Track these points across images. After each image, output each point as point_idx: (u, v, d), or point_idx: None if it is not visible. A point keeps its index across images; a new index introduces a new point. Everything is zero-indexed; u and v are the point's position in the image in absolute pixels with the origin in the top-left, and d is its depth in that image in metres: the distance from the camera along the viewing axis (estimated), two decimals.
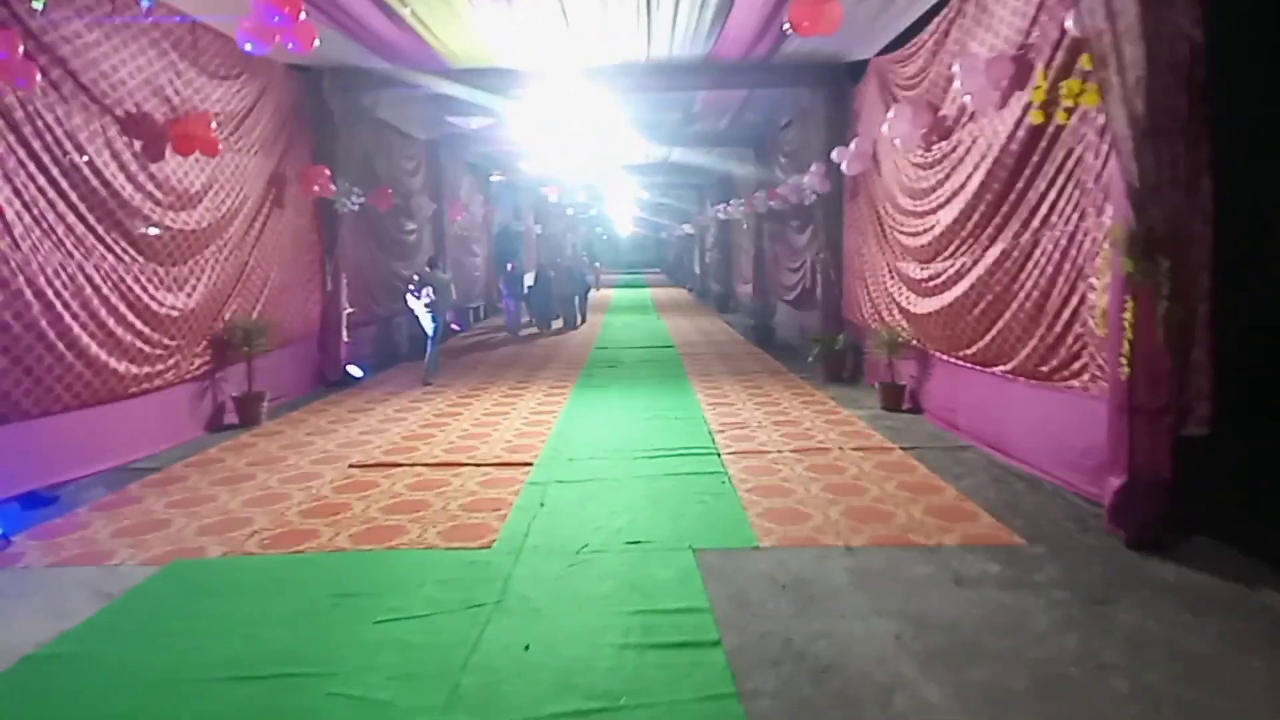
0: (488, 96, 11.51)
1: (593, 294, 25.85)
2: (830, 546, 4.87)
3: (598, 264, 35.32)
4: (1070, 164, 5.72)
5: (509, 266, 19.20)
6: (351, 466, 6.93)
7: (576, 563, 4.69)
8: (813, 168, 11.20)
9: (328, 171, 10.45)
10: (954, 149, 7.50)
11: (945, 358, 7.85)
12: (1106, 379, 5.25)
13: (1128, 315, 4.69)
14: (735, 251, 22.79)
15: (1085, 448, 5.57)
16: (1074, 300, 5.67)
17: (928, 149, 8.02)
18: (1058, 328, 5.84)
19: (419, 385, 11.11)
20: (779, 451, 7.12)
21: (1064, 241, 5.78)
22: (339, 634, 3.86)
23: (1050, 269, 5.92)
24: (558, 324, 19.54)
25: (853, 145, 9.69)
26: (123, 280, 7.16)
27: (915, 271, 8.27)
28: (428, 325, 11.62)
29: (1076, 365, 5.67)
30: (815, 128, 11.85)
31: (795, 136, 14.14)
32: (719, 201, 22.48)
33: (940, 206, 7.72)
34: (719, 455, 7.05)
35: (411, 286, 11.67)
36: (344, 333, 11.58)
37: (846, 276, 11.47)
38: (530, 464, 6.92)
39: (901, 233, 8.62)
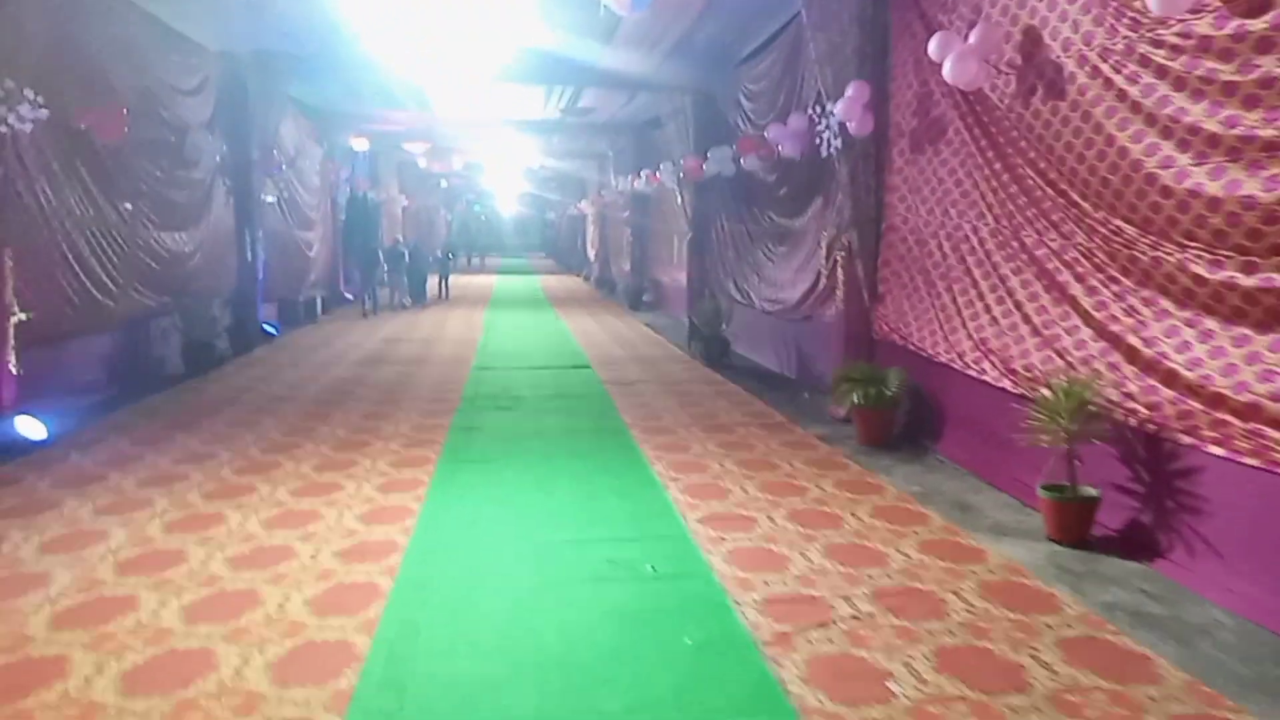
0: None
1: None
2: None
3: (455, 256, 27.39)
4: None
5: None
6: None
7: None
8: (849, 91, 6.73)
9: None
10: None
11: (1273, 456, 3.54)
12: None
13: None
14: (658, 234, 18.22)
15: None
16: None
17: None
18: None
19: (153, 443, 6.02)
20: None
21: None
22: None
23: None
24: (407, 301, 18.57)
25: (975, 32, 5.23)
26: None
27: (1198, 268, 3.87)
28: None
29: None
30: (836, 32, 7.42)
31: (773, 69, 9.69)
32: (633, 170, 17.85)
33: None
34: None
35: None
36: (9, 357, 6.31)
37: (888, 274, 7.11)
38: None
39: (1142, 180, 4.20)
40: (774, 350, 10.23)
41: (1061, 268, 4.76)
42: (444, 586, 3.94)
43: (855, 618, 3.57)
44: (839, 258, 7.54)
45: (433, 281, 20.94)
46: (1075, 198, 4.59)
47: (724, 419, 7.52)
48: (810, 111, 7.83)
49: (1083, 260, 4.61)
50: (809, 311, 8.74)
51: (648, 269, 19.21)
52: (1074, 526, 4.46)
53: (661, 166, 13.99)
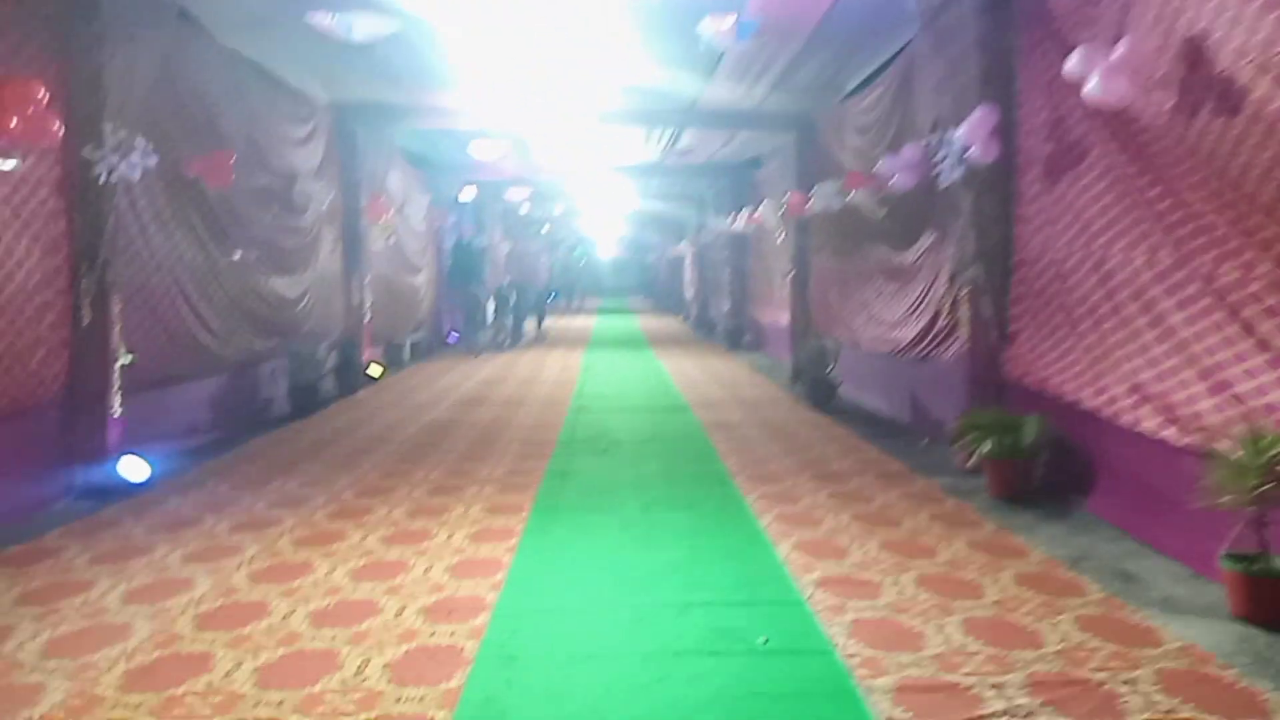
0: None
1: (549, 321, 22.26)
2: None
3: (557, 297, 28.52)
4: None
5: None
6: None
7: None
8: (974, 115, 6.22)
9: (41, 92, 5.18)
10: None
11: None
12: None
13: None
14: (758, 274, 17.78)
15: None
16: None
17: None
18: None
19: (257, 488, 5.93)
20: None
21: None
22: None
23: None
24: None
25: (1122, 45, 4.68)
26: None
27: None
28: None
29: None
30: (956, 57, 6.97)
31: (883, 99, 9.22)
32: (730, 210, 17.53)
33: None
34: None
35: None
36: (114, 400, 6.38)
37: (1021, 311, 6.49)
38: None
39: None
40: (884, 393, 9.61)
41: (1245, 302, 4.10)
42: (532, 655, 3.57)
43: (1010, 715, 3.01)
44: (962, 294, 6.95)
45: (531, 323, 21.29)
46: (1259, 222, 3.96)
47: (835, 467, 6.97)
48: (925, 141, 7.32)
49: (1272, 293, 3.95)
50: (926, 352, 8.12)
51: (747, 309, 18.76)
52: (1268, 604, 3.75)
53: (763, 205, 13.63)
